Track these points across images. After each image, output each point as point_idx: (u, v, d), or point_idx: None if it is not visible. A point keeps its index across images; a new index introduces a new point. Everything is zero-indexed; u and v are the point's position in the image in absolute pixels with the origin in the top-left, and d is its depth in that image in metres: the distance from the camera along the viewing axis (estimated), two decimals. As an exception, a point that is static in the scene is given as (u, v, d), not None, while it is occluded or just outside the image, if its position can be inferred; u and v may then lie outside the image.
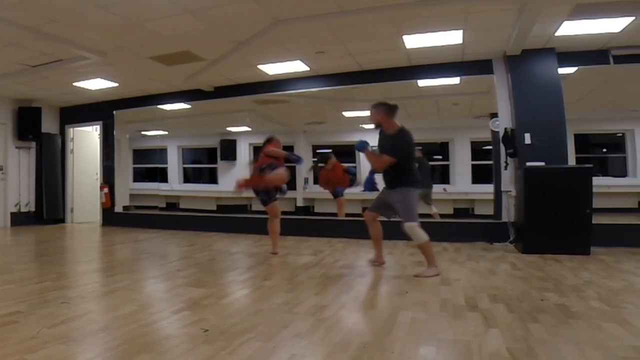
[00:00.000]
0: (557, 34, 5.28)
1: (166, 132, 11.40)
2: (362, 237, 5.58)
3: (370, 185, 4.75)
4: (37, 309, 2.84)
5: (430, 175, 8.16)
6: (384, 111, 4.19)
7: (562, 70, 5.85)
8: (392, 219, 4.43)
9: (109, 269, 4.62)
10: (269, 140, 5.29)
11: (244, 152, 11.43)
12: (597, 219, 5.17)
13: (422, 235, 4.04)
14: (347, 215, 7.52)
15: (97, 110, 9.03)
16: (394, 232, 6.58)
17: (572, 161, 7.33)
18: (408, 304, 3.06)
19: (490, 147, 6.89)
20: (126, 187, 9.68)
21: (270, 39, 5.45)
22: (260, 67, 6.71)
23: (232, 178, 11.35)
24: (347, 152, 10.17)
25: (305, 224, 7.32)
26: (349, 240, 6.41)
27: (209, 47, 5.84)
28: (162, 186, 10.91)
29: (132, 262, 4.97)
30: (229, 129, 11.53)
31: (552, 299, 3.14)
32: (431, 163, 10.89)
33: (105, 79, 7.31)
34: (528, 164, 5.60)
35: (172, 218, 8.90)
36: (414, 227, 4.03)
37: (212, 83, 7.73)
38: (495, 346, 2.21)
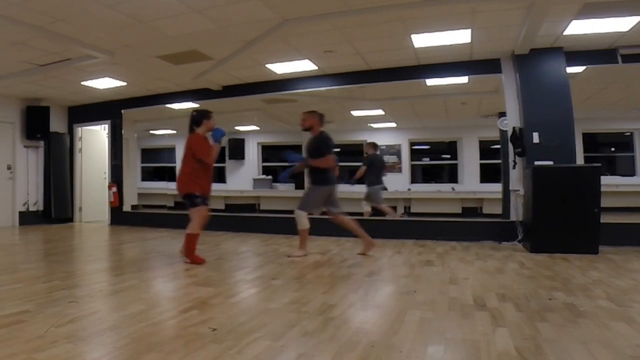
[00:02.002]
0: (565, 33, 5.25)
1: (174, 131, 11.44)
2: (370, 237, 5.56)
3: (285, 177, 5.23)
4: (45, 308, 2.85)
5: (382, 174, 7.85)
6: (318, 119, 5.01)
7: (570, 70, 5.83)
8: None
9: (117, 268, 4.65)
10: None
11: (252, 151, 11.47)
12: (605, 218, 5.14)
13: (305, 223, 4.98)
14: (352, 215, 7.50)
15: (105, 110, 9.07)
16: (401, 231, 6.65)
17: (580, 160, 7.31)
18: (416, 303, 3.05)
19: (498, 146, 6.87)
20: (134, 186, 9.73)
21: (278, 38, 5.46)
22: (269, 66, 6.72)
23: (240, 177, 11.47)
24: (355, 152, 10.20)
25: (313, 223, 7.31)
26: (357, 239, 6.39)
27: (217, 46, 5.85)
28: (171, 185, 10.87)
29: (140, 261, 4.98)
30: (237, 128, 11.56)
31: (560, 298, 3.13)
32: (439, 162, 10.92)
33: (113, 78, 7.35)
34: (536, 163, 5.60)
35: (180, 217, 8.90)
36: (301, 215, 4.94)
37: (220, 82, 7.75)
38: (504, 345, 2.20)
